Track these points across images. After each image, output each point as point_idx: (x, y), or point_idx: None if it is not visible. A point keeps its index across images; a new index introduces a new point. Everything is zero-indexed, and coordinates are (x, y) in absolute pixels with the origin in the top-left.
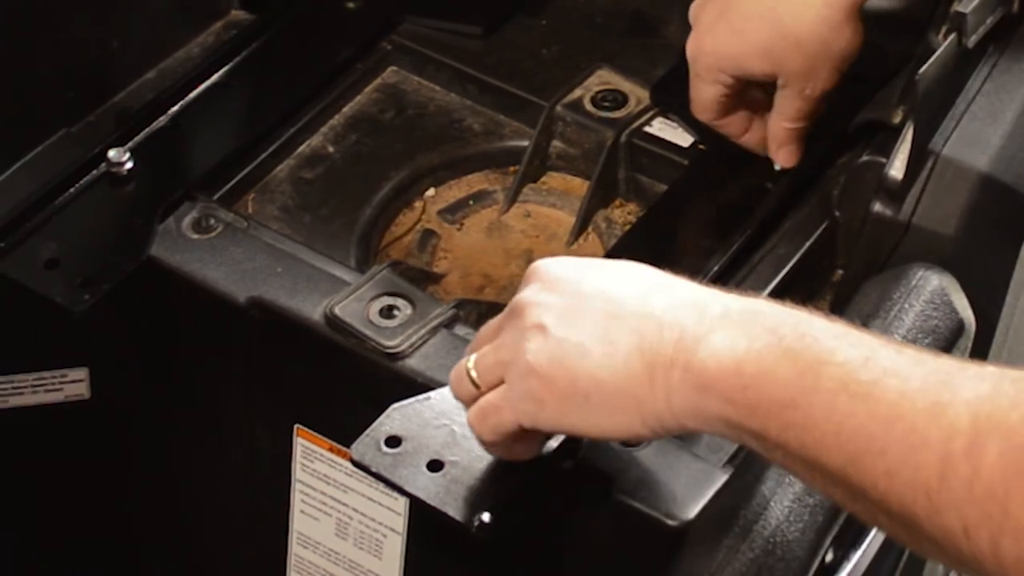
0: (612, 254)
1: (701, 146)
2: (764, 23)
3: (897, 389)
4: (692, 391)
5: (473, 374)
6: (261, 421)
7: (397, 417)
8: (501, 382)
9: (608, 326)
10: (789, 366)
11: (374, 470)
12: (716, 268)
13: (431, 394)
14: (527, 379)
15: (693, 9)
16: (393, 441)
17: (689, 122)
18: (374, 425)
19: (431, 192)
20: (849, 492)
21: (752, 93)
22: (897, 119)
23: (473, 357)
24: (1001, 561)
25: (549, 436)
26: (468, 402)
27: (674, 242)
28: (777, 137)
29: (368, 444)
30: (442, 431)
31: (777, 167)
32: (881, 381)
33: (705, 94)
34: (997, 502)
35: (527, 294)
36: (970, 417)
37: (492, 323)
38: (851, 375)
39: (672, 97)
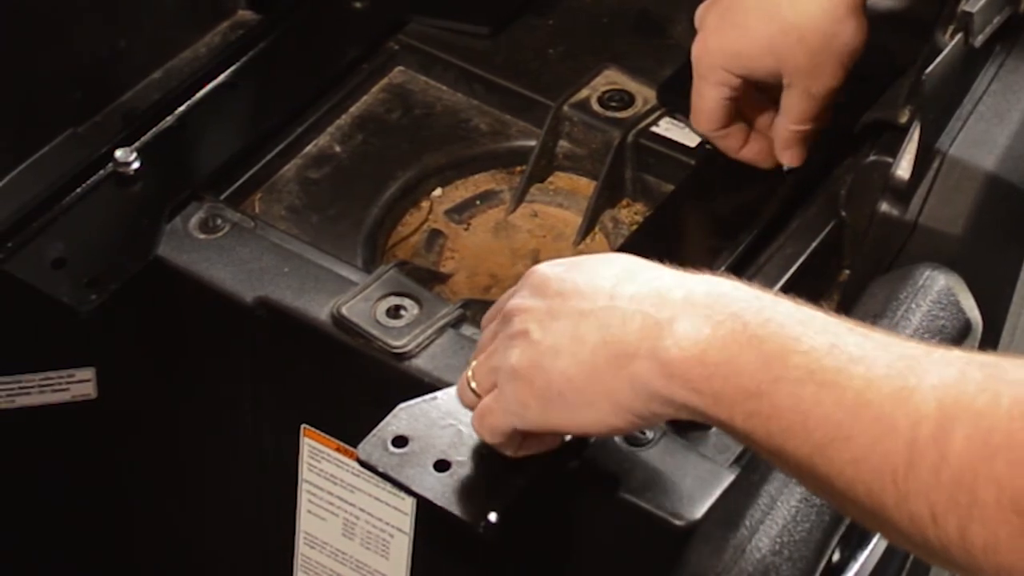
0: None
1: (708, 146)
2: (766, 18)
3: (863, 376)
4: (658, 379)
5: (472, 383)
6: (268, 421)
7: (404, 417)
8: (495, 387)
9: (578, 323)
10: (754, 354)
11: (381, 470)
12: (723, 268)
13: (438, 394)
14: (512, 383)
15: (699, 12)
16: (400, 441)
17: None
18: (381, 425)
19: (438, 192)
20: (816, 481)
21: (752, 104)
22: (904, 119)
23: (473, 364)
24: (969, 547)
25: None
26: (471, 408)
27: (681, 242)
28: (783, 140)
29: (375, 444)
30: (449, 431)
31: (785, 168)
32: (847, 368)
33: (708, 98)
34: (965, 487)
35: (516, 300)
36: (936, 402)
37: (489, 329)
38: (817, 362)
39: (679, 97)
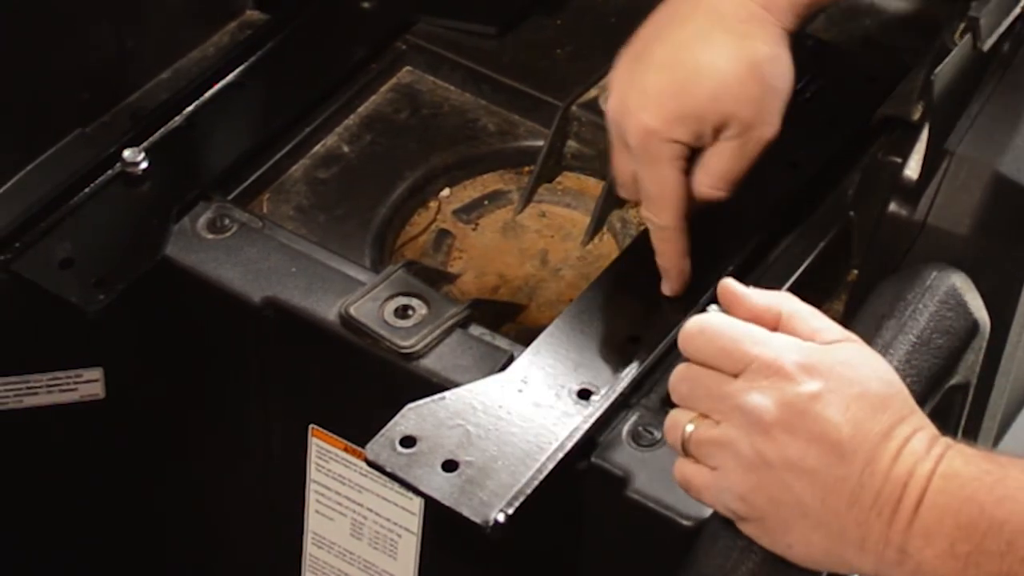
0: (628, 254)
1: None
2: (690, 70)
3: None
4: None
5: (689, 442)
6: (276, 421)
7: (412, 417)
8: (715, 468)
9: (828, 493)
10: (996, 541)
11: (389, 470)
12: (731, 268)
13: (446, 394)
14: (736, 501)
15: (610, 87)
16: (408, 441)
17: None
18: (389, 425)
19: (446, 192)
20: None
21: None
22: (916, 114)
23: (692, 426)
24: None
25: None
26: (674, 448)
27: (690, 242)
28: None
29: (383, 444)
30: (457, 431)
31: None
32: None
33: (670, 181)
34: None
35: (759, 399)
36: None
37: (724, 375)
38: None
39: None
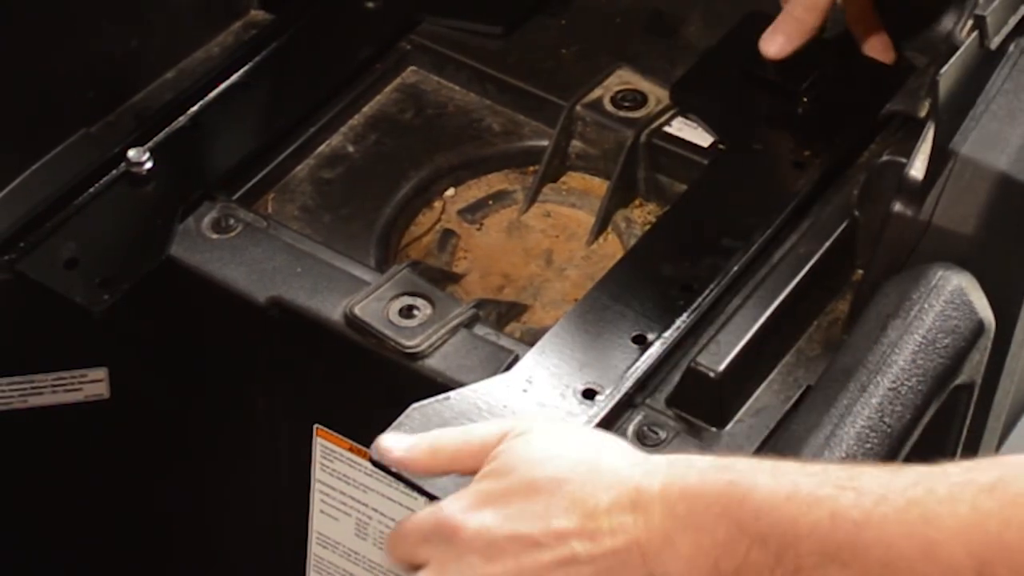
0: (633, 253)
1: (721, 145)
2: None
3: (880, 541)
4: None
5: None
6: (280, 421)
7: (417, 417)
8: None
9: None
10: (763, 553)
11: (394, 471)
12: (736, 268)
13: (451, 394)
14: None
15: None
16: None
17: (709, 122)
18: (393, 425)
19: (451, 192)
20: None
21: None
22: (923, 112)
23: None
24: None
25: None
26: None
27: (694, 241)
28: (782, 24)
29: None
30: None
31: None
32: (861, 536)
33: None
34: None
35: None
36: (965, 549)
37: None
38: (829, 539)
39: (692, 97)
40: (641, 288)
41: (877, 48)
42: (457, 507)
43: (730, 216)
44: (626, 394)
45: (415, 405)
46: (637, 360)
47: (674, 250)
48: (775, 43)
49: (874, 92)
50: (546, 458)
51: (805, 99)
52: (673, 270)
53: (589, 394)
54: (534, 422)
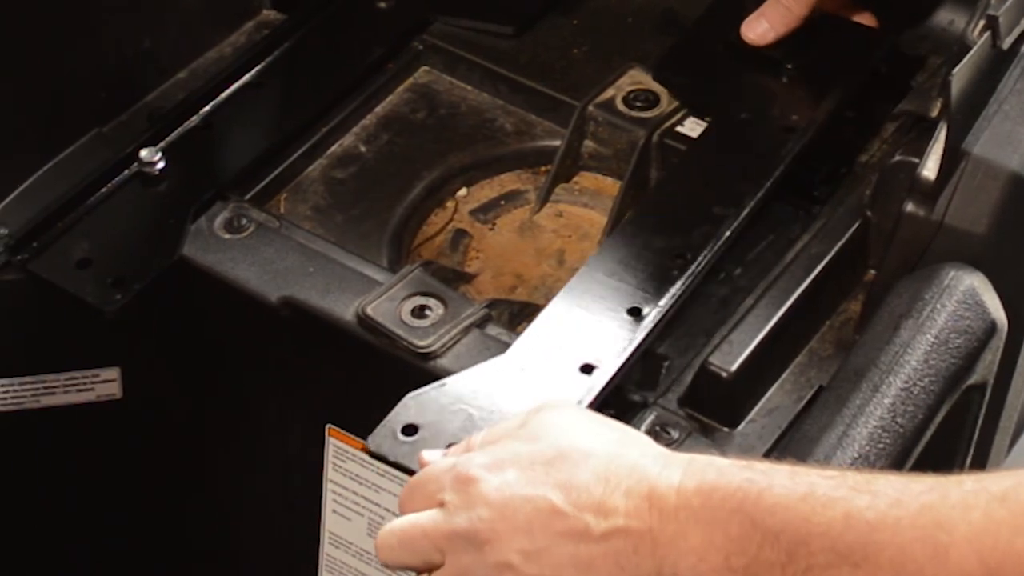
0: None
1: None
2: None
3: (892, 543)
4: None
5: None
6: (293, 421)
7: (413, 405)
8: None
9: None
10: (775, 551)
11: (392, 459)
12: (728, 233)
13: (447, 380)
14: None
15: None
16: (410, 429)
17: (691, 102)
18: (390, 415)
19: (463, 192)
20: None
21: None
22: (935, 112)
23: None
24: None
25: None
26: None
27: (685, 212)
28: (768, 11)
29: (384, 434)
30: (459, 415)
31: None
32: (873, 539)
33: None
34: None
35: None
36: (976, 555)
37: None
38: (840, 540)
39: (676, 74)
40: (634, 261)
41: (861, 17)
42: (480, 461)
43: (720, 184)
44: (624, 365)
45: (411, 394)
46: (634, 334)
47: (666, 223)
48: (758, 28)
49: (859, 52)
50: (575, 431)
51: (789, 66)
52: (665, 242)
53: (587, 369)
54: (566, 404)
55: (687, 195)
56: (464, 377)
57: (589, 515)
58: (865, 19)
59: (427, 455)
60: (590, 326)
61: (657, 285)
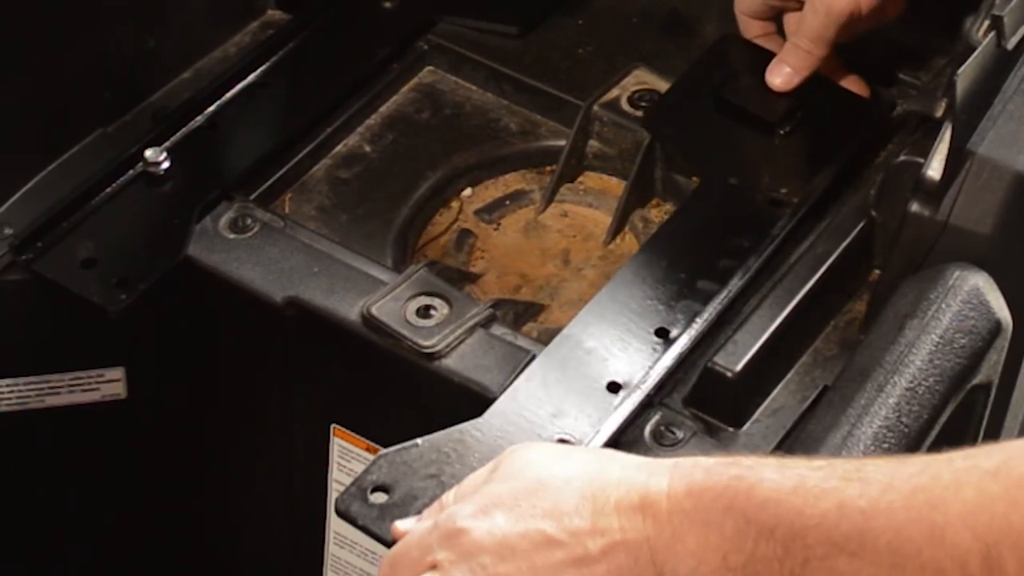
0: (646, 250)
1: (695, 178)
2: None
3: (888, 527)
4: None
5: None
6: (298, 421)
7: (384, 465)
8: None
9: None
10: (770, 545)
11: (360, 523)
12: (755, 268)
13: (419, 440)
14: None
15: None
16: (380, 490)
17: (683, 152)
18: (360, 474)
19: (468, 192)
20: None
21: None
22: (940, 112)
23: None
24: None
25: None
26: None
27: (706, 241)
28: (788, 56)
29: (353, 495)
30: (431, 482)
31: (775, 83)
32: (868, 526)
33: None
34: None
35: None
36: (971, 532)
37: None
38: (836, 530)
39: (666, 125)
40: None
41: (852, 83)
42: (463, 512)
43: (743, 215)
44: (652, 387)
45: (383, 451)
46: (661, 356)
47: (686, 249)
48: (782, 74)
49: (851, 127)
50: (549, 461)
51: (782, 131)
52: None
53: (614, 388)
54: (532, 442)
55: (708, 222)
56: (436, 439)
57: (585, 537)
58: (853, 84)
59: (401, 525)
60: (614, 348)
61: (684, 309)
